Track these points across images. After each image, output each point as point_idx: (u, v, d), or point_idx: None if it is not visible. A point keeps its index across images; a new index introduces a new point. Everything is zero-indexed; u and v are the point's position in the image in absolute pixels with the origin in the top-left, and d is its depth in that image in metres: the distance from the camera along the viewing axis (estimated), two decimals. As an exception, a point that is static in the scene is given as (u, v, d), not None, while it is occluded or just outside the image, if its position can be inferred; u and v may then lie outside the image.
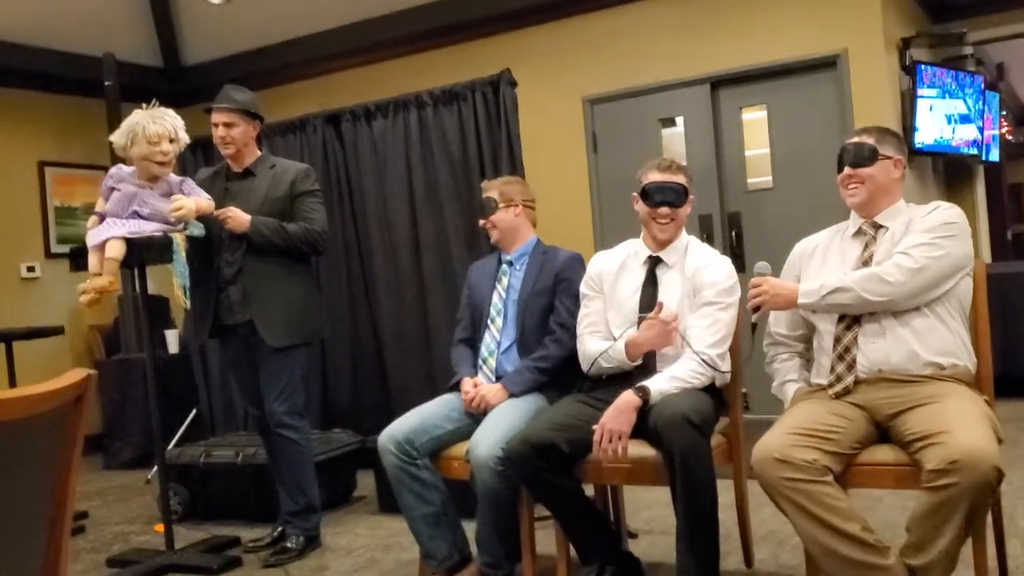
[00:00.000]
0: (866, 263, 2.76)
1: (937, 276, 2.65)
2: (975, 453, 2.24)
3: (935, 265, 2.64)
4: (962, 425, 2.35)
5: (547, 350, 3.33)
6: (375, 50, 6.83)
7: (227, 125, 3.91)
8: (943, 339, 2.67)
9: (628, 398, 2.82)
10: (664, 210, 3.07)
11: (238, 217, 3.82)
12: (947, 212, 2.73)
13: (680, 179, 3.09)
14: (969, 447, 2.26)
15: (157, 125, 3.70)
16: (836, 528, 2.40)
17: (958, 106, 6.36)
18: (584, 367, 3.15)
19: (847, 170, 2.83)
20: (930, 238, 2.66)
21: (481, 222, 3.56)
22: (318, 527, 4.06)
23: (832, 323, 2.77)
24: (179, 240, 3.78)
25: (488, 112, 4.92)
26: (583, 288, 3.25)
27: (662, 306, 2.95)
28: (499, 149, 4.86)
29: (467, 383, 3.34)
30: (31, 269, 6.99)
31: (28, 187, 7.06)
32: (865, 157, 2.80)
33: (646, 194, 3.09)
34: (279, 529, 4.05)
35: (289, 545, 3.94)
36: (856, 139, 2.86)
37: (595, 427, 2.81)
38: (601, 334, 3.14)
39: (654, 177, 3.10)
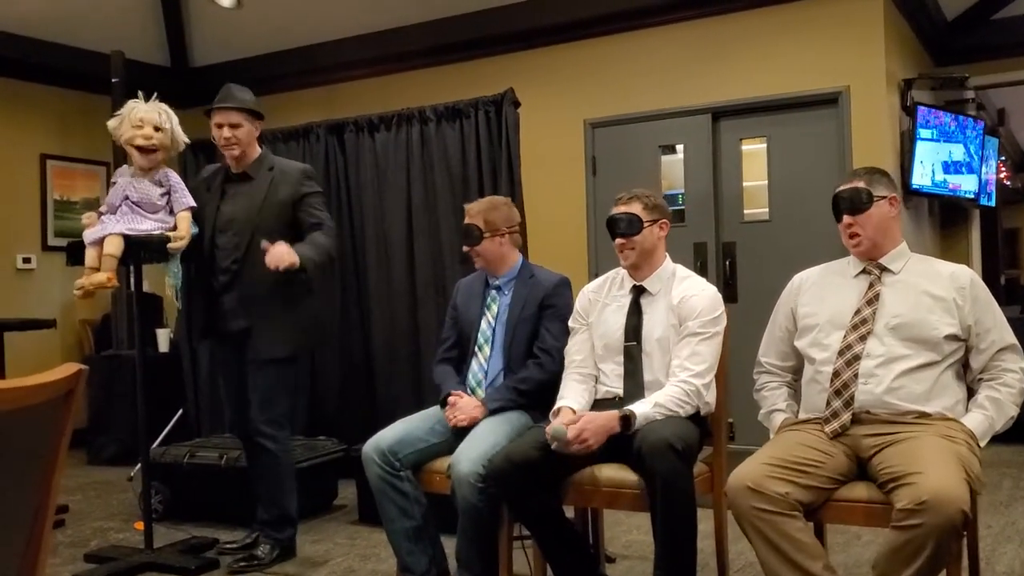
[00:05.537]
0: (870, 302, 2.76)
1: None
2: (944, 495, 2.26)
3: None
4: (934, 466, 2.37)
5: (528, 372, 3.32)
6: (381, 63, 6.88)
7: (233, 126, 3.83)
8: (944, 387, 2.68)
9: (612, 423, 2.83)
10: (619, 240, 3.13)
11: (281, 255, 3.57)
12: (981, 282, 2.76)
13: (633, 208, 3.12)
14: (938, 489, 2.28)
15: (145, 110, 3.78)
16: (798, 564, 2.41)
17: (957, 149, 6.41)
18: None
19: (846, 218, 2.82)
20: (1001, 314, 2.75)
21: (465, 249, 3.51)
22: (293, 539, 3.99)
23: (831, 359, 2.75)
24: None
25: (490, 130, 4.94)
26: (571, 323, 3.29)
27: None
28: (499, 167, 4.88)
29: (455, 396, 3.32)
30: (27, 261, 7.01)
31: (29, 179, 7.08)
32: (862, 202, 2.80)
33: (609, 229, 3.16)
34: (254, 535, 4.00)
35: (259, 553, 3.86)
36: (848, 185, 2.85)
37: (571, 427, 2.79)
38: (583, 373, 3.16)
39: (612, 211, 3.17)
